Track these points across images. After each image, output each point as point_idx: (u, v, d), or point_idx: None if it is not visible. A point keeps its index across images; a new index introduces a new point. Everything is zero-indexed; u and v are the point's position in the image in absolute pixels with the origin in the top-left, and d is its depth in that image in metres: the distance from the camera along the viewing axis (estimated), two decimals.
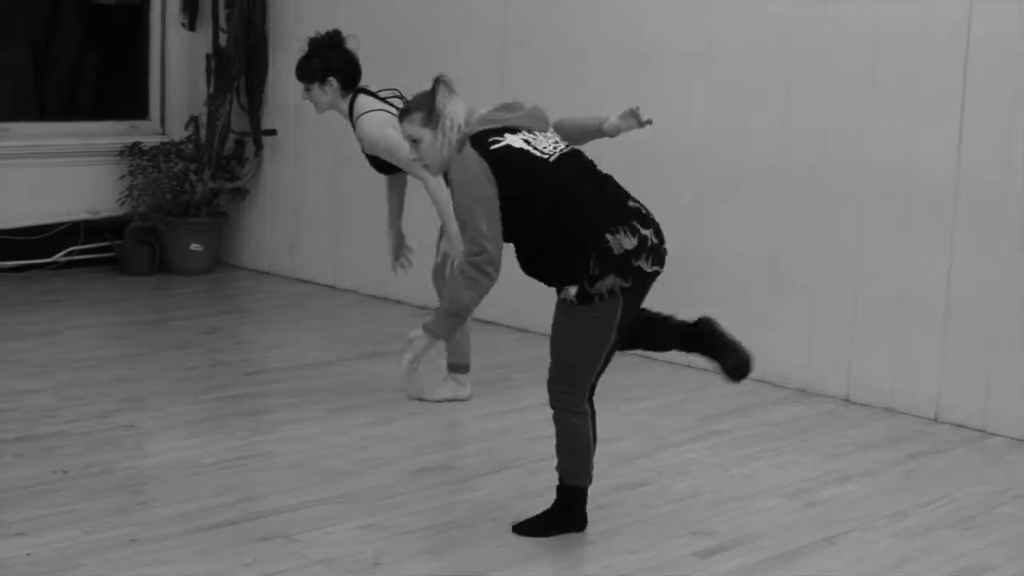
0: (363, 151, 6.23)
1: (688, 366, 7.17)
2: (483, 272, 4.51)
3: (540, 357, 7.26)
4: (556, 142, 4.73)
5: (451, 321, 4.61)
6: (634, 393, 6.70)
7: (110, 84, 10.10)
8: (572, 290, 4.55)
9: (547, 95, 7.69)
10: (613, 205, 4.64)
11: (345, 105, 6.21)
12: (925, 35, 6.25)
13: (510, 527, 4.79)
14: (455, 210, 4.58)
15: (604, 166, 7.60)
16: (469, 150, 4.59)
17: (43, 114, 9.68)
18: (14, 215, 9.05)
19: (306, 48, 6.26)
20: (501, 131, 4.65)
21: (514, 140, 4.62)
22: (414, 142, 4.69)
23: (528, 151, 4.61)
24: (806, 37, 6.66)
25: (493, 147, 4.58)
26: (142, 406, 6.23)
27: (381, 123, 6.06)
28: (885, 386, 6.50)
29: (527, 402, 6.16)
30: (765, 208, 6.87)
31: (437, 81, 4.70)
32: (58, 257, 9.32)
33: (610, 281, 4.51)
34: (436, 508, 5.00)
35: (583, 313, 4.56)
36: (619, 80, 7.38)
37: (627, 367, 7.18)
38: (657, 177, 7.27)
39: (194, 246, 9.34)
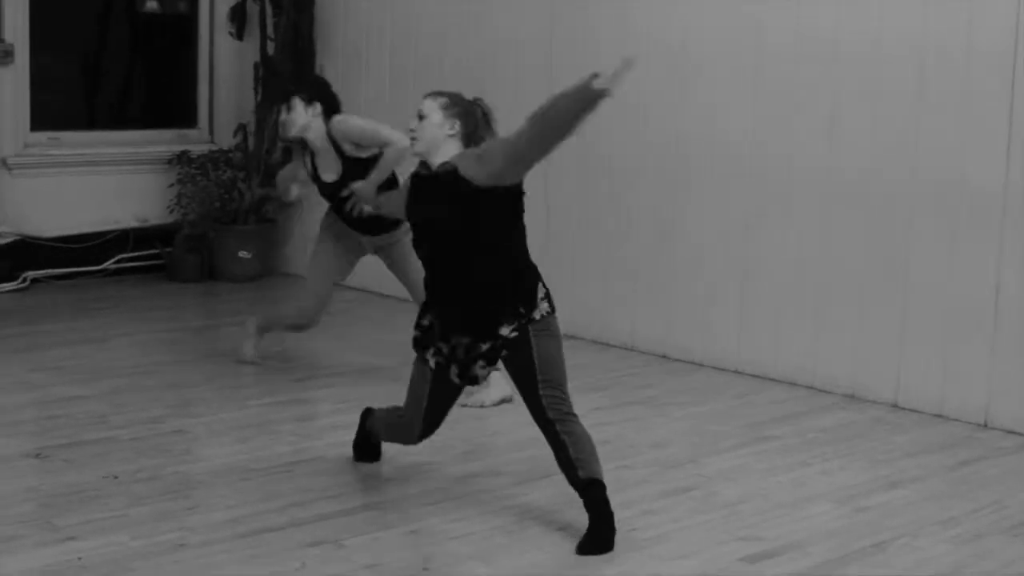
0: (316, 175, 6.69)
1: (737, 372, 7.16)
2: None
3: (588, 364, 7.31)
4: None
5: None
6: (683, 399, 6.69)
7: (159, 93, 10.17)
8: (544, 304, 4.89)
9: None
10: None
11: (322, 126, 6.54)
12: (973, 44, 6.21)
13: (556, 532, 4.79)
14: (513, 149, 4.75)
15: (651, 173, 7.63)
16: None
17: (93, 123, 9.75)
18: (65, 223, 9.13)
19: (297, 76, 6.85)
20: None
21: None
22: (421, 117, 4.88)
23: None
24: (853, 47, 6.63)
25: None
26: (191, 412, 6.27)
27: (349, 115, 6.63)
28: (934, 392, 6.46)
29: (576, 408, 6.09)
30: (813, 214, 6.84)
31: (478, 105, 5.01)
32: (108, 265, 9.39)
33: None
34: (482, 514, 5.00)
35: (553, 323, 4.90)
36: (665, 91, 7.38)
37: (675, 373, 7.18)
38: (705, 185, 7.26)
39: (242, 253, 9.39)
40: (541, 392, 4.82)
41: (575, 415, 4.85)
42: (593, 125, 7.70)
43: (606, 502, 4.71)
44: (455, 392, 5.05)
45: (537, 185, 8.03)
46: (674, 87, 7.35)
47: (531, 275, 4.90)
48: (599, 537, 4.67)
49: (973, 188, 6.26)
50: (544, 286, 4.91)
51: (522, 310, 4.81)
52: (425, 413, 5.06)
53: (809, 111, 6.82)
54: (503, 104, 8.10)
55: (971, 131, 6.25)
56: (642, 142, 7.51)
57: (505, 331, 4.81)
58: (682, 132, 7.32)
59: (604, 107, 7.90)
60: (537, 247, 8.01)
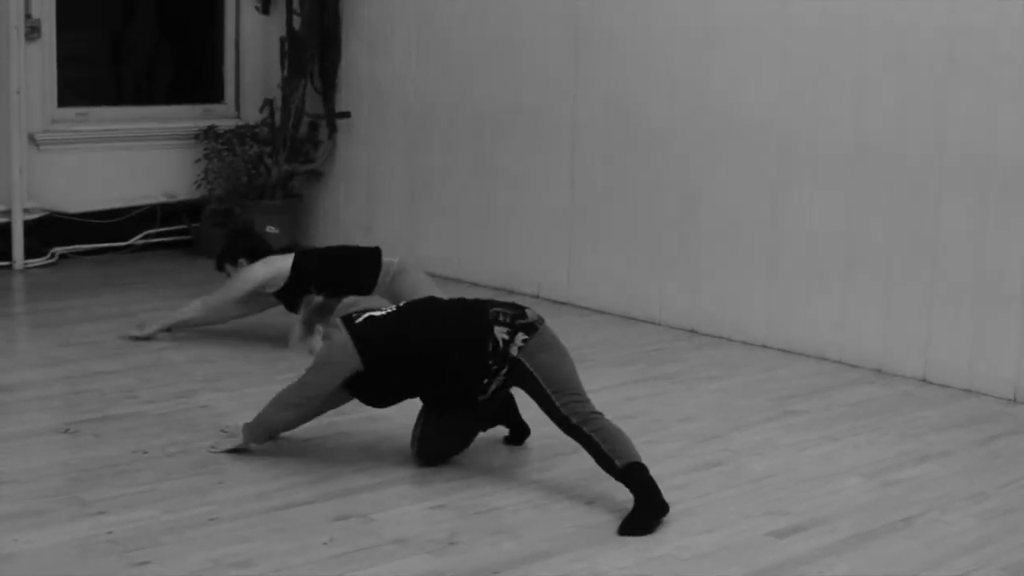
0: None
1: (764, 346, 7.14)
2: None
3: (615, 339, 7.31)
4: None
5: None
6: (710, 373, 6.68)
7: (185, 68, 10.18)
8: (519, 336, 4.93)
9: (618, 74, 7.70)
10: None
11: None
12: (1002, 15, 6.17)
13: (584, 505, 4.80)
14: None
15: (678, 146, 7.58)
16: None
17: (120, 99, 9.76)
18: (92, 199, 9.15)
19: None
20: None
21: None
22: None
23: None
24: (881, 14, 6.59)
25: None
26: (219, 386, 6.28)
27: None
28: (963, 366, 6.44)
29: (602, 383, 6.13)
30: (841, 186, 6.81)
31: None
32: (135, 240, 9.41)
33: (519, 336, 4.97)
34: (510, 488, 5.01)
35: (538, 341, 4.94)
36: (692, 63, 7.35)
37: (702, 347, 7.17)
38: (732, 158, 7.23)
39: (269, 228, 9.39)
40: (558, 404, 4.86)
41: (599, 413, 4.86)
42: (620, 97, 7.72)
43: (649, 481, 4.70)
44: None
45: (563, 158, 8.04)
46: (700, 59, 7.32)
47: (479, 345, 4.96)
48: (645, 516, 4.66)
49: (1002, 160, 6.22)
50: (503, 315, 4.99)
51: (494, 366, 4.97)
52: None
53: (836, 83, 6.79)
54: (529, 79, 8.14)
55: (1000, 103, 6.21)
56: (668, 114, 7.48)
57: (494, 385, 5.02)
58: (709, 104, 7.30)
59: (631, 79, 7.88)
60: (563, 220, 8.06)
